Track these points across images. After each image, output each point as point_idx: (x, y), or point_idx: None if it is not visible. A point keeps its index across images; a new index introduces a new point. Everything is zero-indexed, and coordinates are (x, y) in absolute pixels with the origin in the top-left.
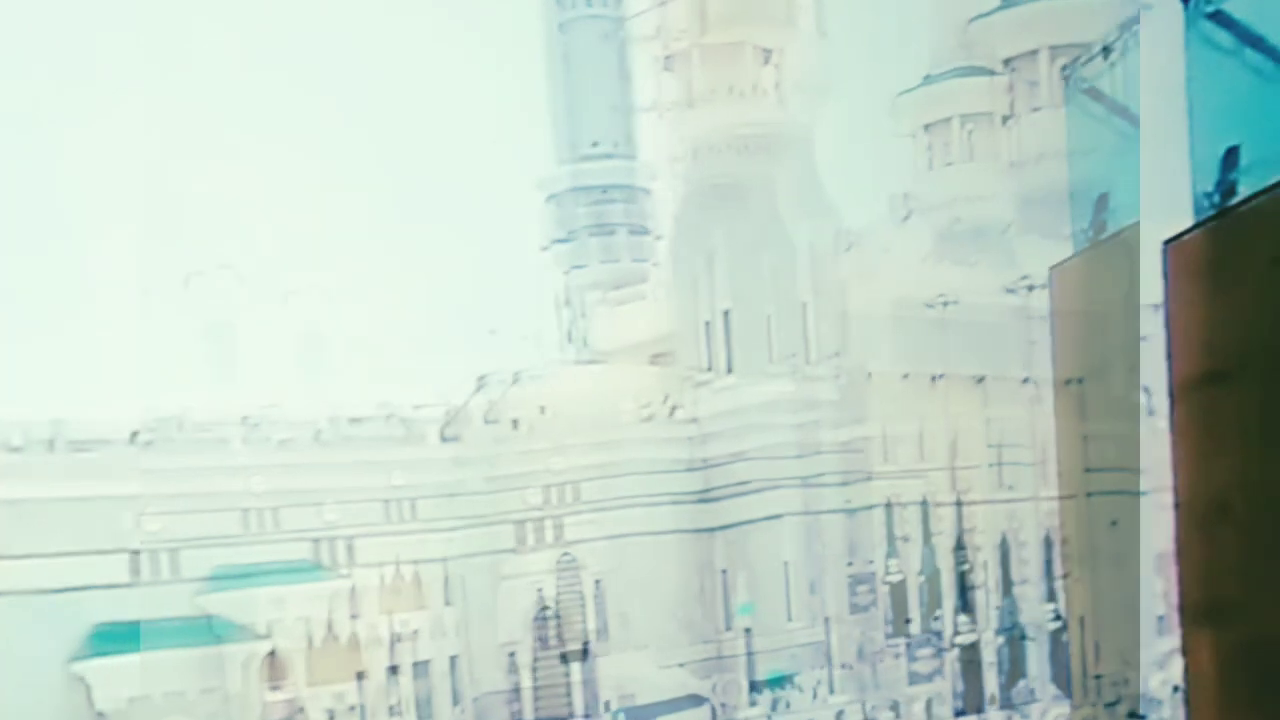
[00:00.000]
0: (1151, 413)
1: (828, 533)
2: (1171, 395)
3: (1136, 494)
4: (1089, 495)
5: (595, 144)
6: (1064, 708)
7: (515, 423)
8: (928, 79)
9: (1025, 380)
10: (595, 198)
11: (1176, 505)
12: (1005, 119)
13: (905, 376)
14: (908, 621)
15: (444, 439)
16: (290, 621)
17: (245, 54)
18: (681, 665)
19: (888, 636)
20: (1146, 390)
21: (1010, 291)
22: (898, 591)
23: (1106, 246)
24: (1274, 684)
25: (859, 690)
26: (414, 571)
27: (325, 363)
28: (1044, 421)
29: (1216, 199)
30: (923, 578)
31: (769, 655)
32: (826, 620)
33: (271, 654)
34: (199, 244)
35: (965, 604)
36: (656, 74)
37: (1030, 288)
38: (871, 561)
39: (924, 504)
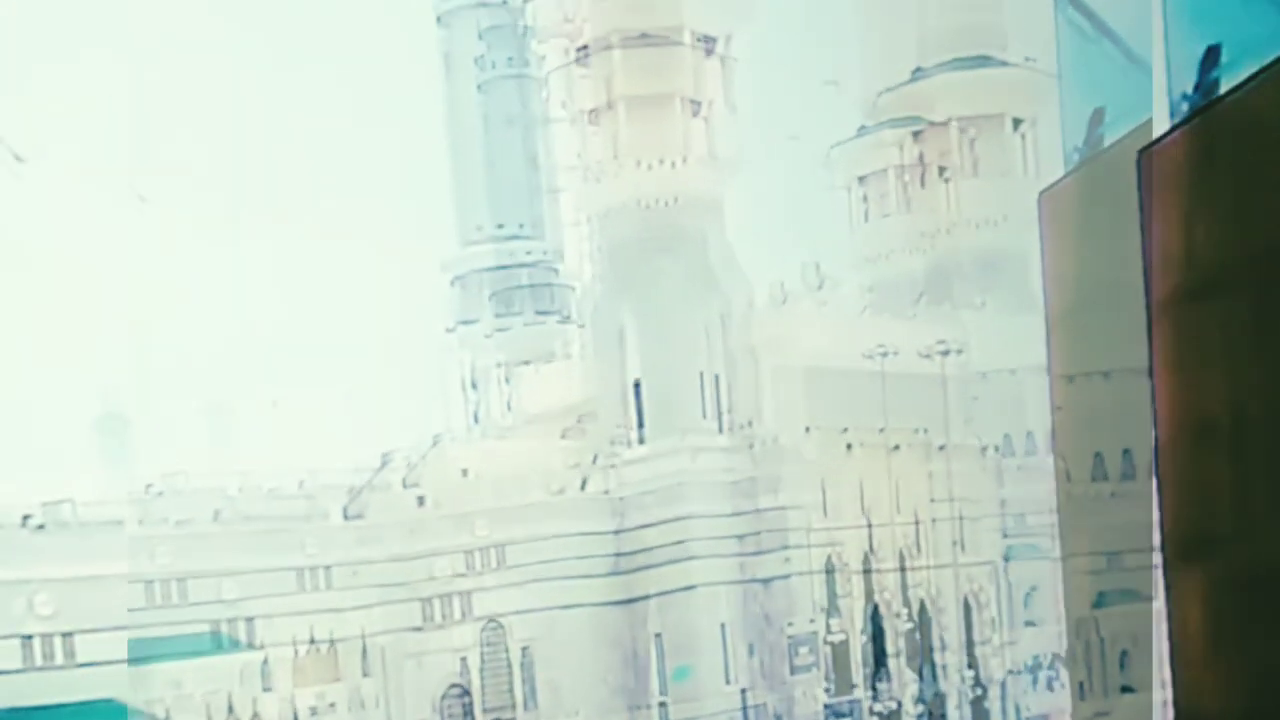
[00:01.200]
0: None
1: (763, 595)
2: (1150, 316)
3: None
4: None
5: (501, 225)
6: None
7: (421, 499)
8: (863, 130)
9: (941, 447)
10: (502, 279)
11: (1156, 437)
12: (942, 171)
13: (825, 437)
14: (852, 686)
15: (347, 517)
16: (192, 699)
17: (145, 120)
18: None
19: (829, 695)
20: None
21: (925, 357)
22: (839, 652)
23: (1104, 159)
24: (1266, 620)
25: None
26: (329, 643)
27: (227, 441)
28: (960, 484)
29: (1197, 100)
30: (864, 637)
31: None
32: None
33: None
34: (92, 322)
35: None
36: (581, 129)
37: (945, 353)
38: (813, 620)
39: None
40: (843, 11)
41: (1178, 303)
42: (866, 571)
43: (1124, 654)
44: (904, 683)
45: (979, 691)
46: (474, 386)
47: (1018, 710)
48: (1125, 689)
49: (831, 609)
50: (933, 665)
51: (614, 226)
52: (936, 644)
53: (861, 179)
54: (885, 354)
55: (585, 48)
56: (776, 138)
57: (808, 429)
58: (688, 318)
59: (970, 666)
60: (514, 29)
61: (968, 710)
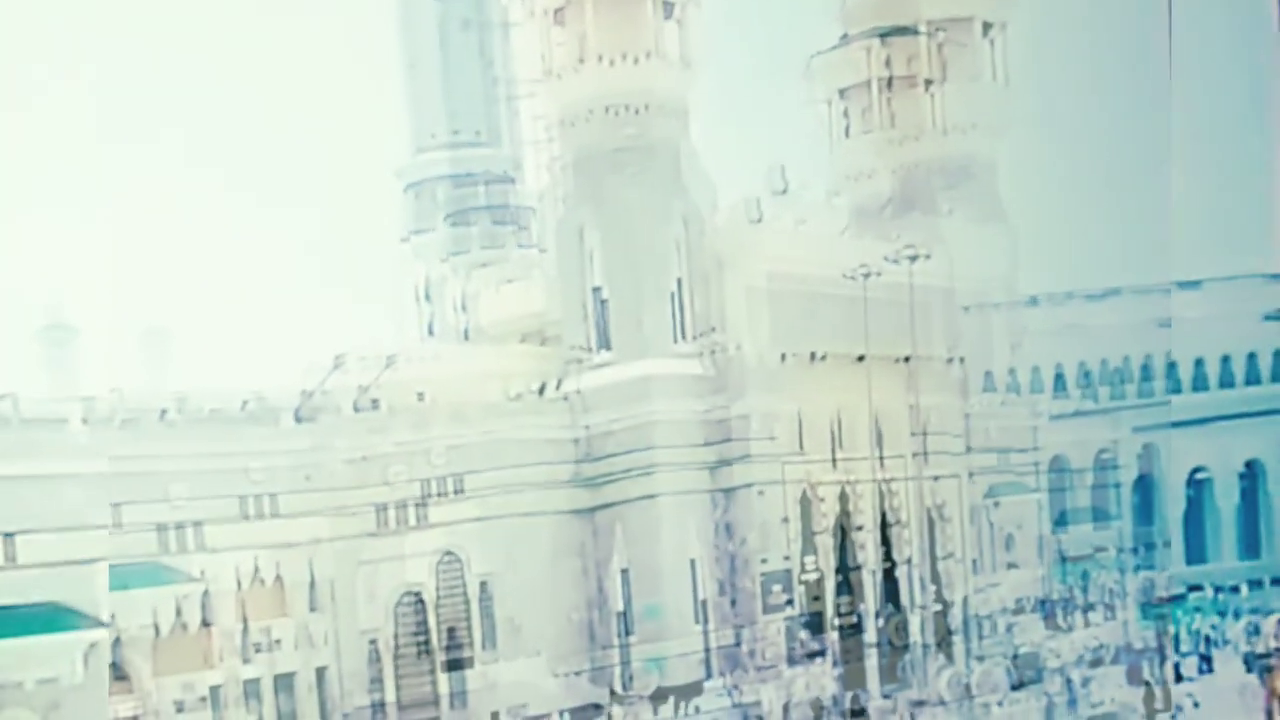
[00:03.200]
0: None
1: (735, 524)
2: None
3: None
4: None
5: (456, 132)
6: None
7: (375, 403)
8: (845, 39)
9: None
10: (458, 198)
11: None
12: (929, 84)
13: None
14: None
15: (298, 419)
16: (136, 613)
17: (88, 41)
18: (579, 674)
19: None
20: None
21: (892, 262)
22: (812, 590)
23: None
24: None
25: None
26: (275, 573)
27: (174, 352)
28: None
29: None
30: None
31: (679, 661)
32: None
33: (117, 644)
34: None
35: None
36: (546, 30)
37: (914, 258)
38: (788, 558)
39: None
40: None
41: None
42: (820, 485)
43: (1010, 537)
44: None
45: (939, 606)
46: (428, 298)
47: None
48: (1010, 565)
49: (806, 544)
50: (894, 581)
51: (579, 133)
52: (899, 558)
53: (842, 92)
54: (857, 272)
55: None
56: (748, 44)
57: (782, 352)
58: (655, 229)
59: (934, 581)
60: None
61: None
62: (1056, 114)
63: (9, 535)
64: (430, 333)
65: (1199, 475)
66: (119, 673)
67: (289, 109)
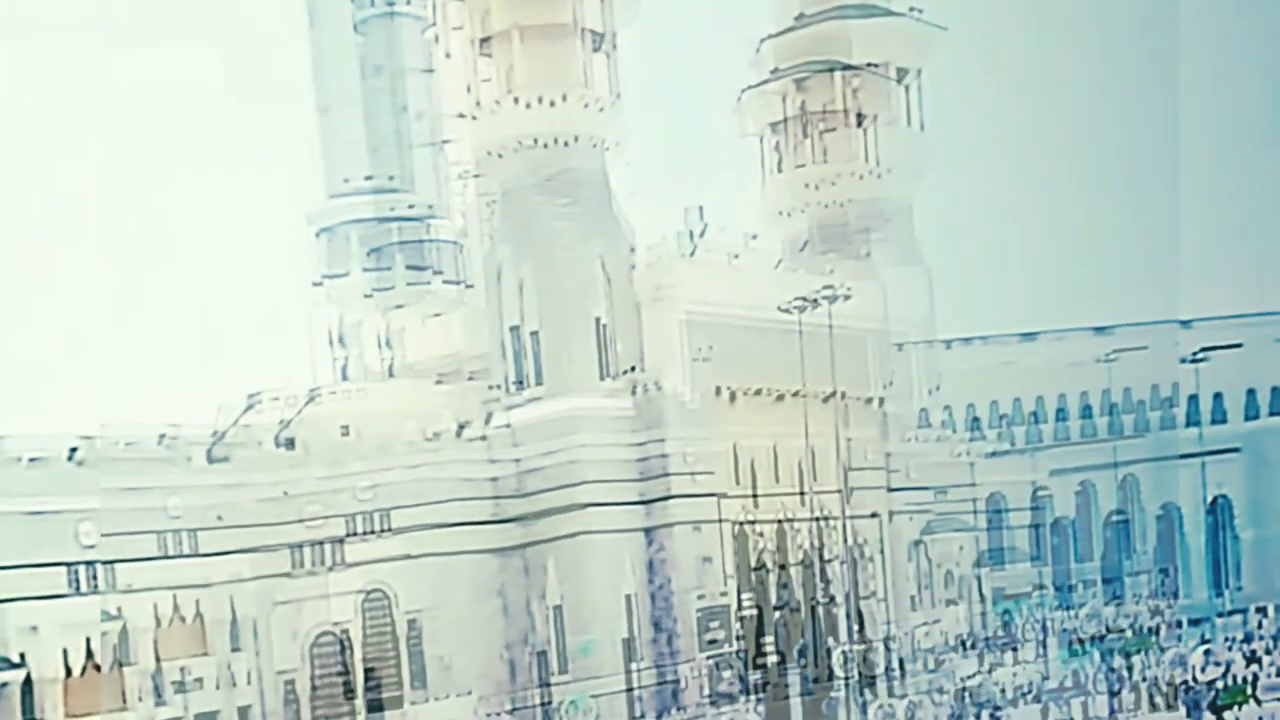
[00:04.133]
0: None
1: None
2: None
3: None
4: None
5: (369, 177)
6: None
7: (290, 442)
8: (776, 73)
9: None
10: (372, 237)
11: None
12: (860, 118)
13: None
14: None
15: (211, 460)
16: (47, 653)
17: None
18: (511, 712)
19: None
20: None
21: (811, 302)
22: (749, 626)
23: None
24: None
25: None
26: (195, 611)
27: (84, 390)
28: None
29: None
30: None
31: (612, 699)
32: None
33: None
34: None
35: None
36: (472, 61)
37: (833, 298)
38: (724, 594)
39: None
40: None
41: None
42: (742, 530)
43: (948, 574)
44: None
45: (864, 646)
46: (342, 342)
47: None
48: (950, 602)
49: (743, 580)
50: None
51: (505, 165)
52: (821, 597)
53: (773, 126)
54: (791, 305)
55: None
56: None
57: (716, 386)
58: (581, 263)
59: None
60: None
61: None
62: (977, 158)
63: None
64: (345, 377)
65: (1115, 519)
66: (29, 715)
67: (200, 149)
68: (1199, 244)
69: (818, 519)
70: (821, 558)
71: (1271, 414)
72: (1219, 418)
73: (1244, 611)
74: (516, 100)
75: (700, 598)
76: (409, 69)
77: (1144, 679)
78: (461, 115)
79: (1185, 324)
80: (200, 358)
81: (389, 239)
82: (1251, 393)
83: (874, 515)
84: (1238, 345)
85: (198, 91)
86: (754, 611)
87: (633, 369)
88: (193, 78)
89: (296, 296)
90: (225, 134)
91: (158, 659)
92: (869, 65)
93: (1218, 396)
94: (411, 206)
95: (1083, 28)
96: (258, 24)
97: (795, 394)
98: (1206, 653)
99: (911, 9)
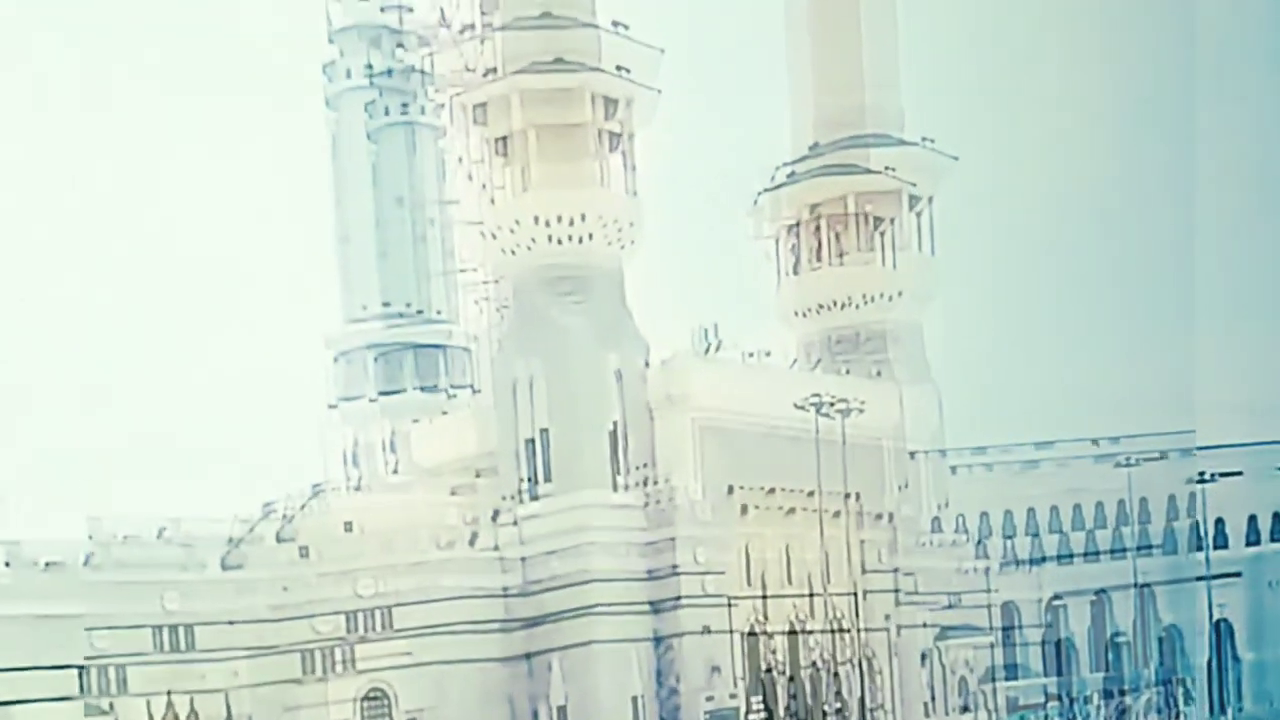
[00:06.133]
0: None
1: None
2: None
3: None
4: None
5: (387, 304)
6: None
7: (304, 550)
8: (793, 176)
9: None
10: (385, 357)
11: None
12: (878, 221)
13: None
14: None
15: (225, 567)
16: None
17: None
18: None
19: None
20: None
21: (825, 416)
22: None
23: None
24: None
25: None
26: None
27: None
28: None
29: None
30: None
31: None
32: None
33: None
34: None
35: None
36: (488, 159)
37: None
38: (734, 696)
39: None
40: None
41: None
42: (752, 635)
43: (962, 680)
44: None
45: None
46: (355, 462)
47: None
48: (964, 709)
49: (753, 683)
50: None
51: (518, 263)
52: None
53: (789, 230)
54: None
55: (491, 70)
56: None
57: (730, 489)
58: (594, 363)
59: None
60: (407, 75)
61: None
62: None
63: None
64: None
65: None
66: None
67: (221, 271)
68: (1211, 374)
69: (831, 631)
70: (834, 662)
71: (1272, 539)
72: (1221, 543)
73: None
74: (533, 190)
75: (709, 699)
76: (429, 200)
77: None
78: (477, 227)
79: (1186, 453)
80: (217, 472)
81: (402, 359)
82: (1253, 518)
83: (887, 618)
84: (1238, 473)
85: (221, 213)
86: (763, 717)
87: (651, 466)
88: (216, 200)
89: (311, 418)
90: (250, 255)
91: None
92: (886, 169)
93: (1219, 522)
94: (427, 336)
95: (1092, 156)
96: (281, 148)
97: (809, 494)
98: None
99: (924, 138)
